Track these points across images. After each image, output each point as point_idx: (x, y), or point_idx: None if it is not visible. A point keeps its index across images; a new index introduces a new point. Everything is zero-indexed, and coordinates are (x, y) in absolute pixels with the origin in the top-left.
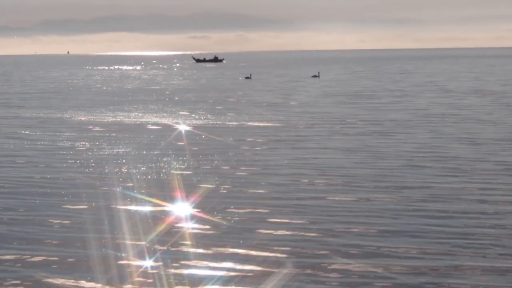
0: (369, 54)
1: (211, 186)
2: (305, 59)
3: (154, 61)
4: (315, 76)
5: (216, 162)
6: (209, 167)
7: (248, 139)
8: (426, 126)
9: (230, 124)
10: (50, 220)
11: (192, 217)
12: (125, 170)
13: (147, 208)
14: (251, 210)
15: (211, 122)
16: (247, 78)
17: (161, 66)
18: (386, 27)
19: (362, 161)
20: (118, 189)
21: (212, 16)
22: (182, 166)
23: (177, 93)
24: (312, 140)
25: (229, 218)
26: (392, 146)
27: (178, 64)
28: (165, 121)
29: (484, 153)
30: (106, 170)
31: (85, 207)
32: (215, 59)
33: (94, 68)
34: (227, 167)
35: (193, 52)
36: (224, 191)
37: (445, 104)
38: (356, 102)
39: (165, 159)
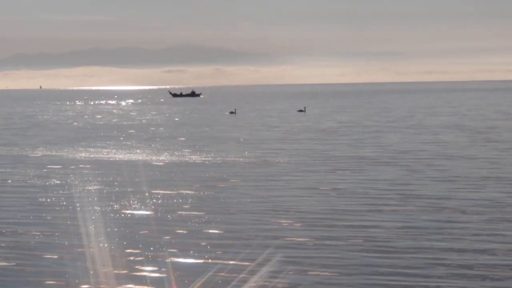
0: (350, 88)
1: (170, 228)
2: (287, 93)
3: (128, 96)
4: (301, 110)
5: (178, 201)
6: (171, 207)
7: (216, 177)
8: (398, 163)
9: (201, 161)
10: (22, 270)
11: (153, 261)
12: (97, 210)
13: (114, 253)
14: (210, 254)
15: (182, 159)
16: (231, 113)
17: (135, 101)
18: (366, 60)
19: (329, 200)
20: (89, 231)
21: (188, 50)
22: (148, 206)
23: (150, 129)
24: (279, 179)
25: (187, 262)
26: (361, 184)
27: (153, 99)
28: (137, 158)
29: (456, 191)
30: (78, 209)
31: (57, 256)
32: (193, 94)
33: (67, 103)
34: (189, 206)
35: (169, 86)
36: (184, 233)
37: (419, 140)
38: (329, 138)
39: (135, 197)
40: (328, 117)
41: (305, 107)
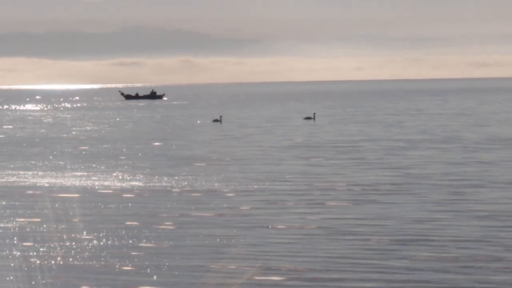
0: (370, 86)
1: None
2: (285, 95)
3: (63, 98)
4: (309, 118)
5: (107, 251)
6: (84, 255)
7: (153, 216)
8: (418, 193)
9: (152, 189)
10: None
11: None
12: (15, 253)
13: None
14: None
15: (127, 187)
16: (215, 121)
17: (73, 105)
18: (393, 48)
19: (316, 247)
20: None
21: (147, 35)
22: (67, 256)
23: (91, 144)
24: (238, 219)
25: None
26: (358, 223)
27: (97, 103)
28: (68, 184)
29: (500, 235)
30: None
31: None
32: (153, 95)
33: None
34: (121, 261)
35: (121, 85)
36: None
37: (452, 160)
38: (332, 157)
39: (55, 241)
40: (339, 127)
41: (314, 114)
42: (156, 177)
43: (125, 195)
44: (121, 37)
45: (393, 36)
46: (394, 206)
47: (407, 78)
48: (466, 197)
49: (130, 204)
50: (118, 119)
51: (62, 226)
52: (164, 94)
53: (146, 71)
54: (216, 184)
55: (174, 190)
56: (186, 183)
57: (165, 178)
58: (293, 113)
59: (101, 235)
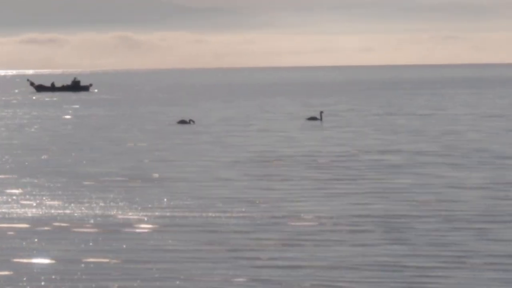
0: (382, 74)
1: None
2: (264, 86)
3: None
4: (313, 118)
5: None
6: None
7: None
8: (402, 231)
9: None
10: None
11: None
12: None
13: None
14: None
15: (17, 214)
16: (182, 122)
17: None
18: (417, 21)
19: None
20: None
21: (68, 1)
22: None
23: None
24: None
25: None
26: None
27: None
28: None
29: None
30: None
31: None
32: (75, 86)
33: None
34: None
35: (30, 72)
36: None
37: (463, 183)
38: (301, 174)
39: None
40: (347, 135)
41: (321, 113)
42: (38, 199)
43: None
44: (33, 4)
45: (415, 5)
46: (363, 248)
47: (436, 63)
48: (482, 236)
49: None
50: (21, 120)
51: None
52: (91, 84)
53: (67, 52)
54: (106, 216)
55: (48, 222)
56: (65, 212)
57: (46, 202)
58: (290, 111)
59: None
